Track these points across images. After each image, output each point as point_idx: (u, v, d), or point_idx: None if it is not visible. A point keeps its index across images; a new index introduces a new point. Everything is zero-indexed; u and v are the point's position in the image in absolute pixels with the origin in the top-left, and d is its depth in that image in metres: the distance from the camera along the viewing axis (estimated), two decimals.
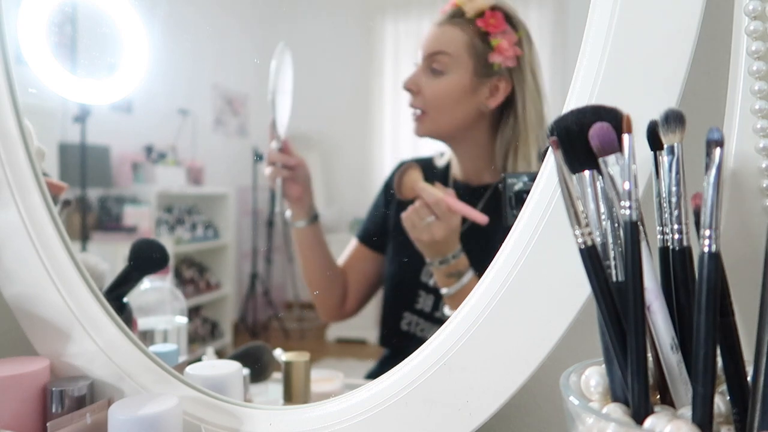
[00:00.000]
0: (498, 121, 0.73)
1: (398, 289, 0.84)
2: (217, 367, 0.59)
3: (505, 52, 0.71)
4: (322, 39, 1.11)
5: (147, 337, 0.72)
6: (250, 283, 1.47)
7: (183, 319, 0.76)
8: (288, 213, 0.86)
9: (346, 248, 0.89)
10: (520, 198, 0.59)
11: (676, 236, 0.36)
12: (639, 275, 0.32)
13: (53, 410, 0.53)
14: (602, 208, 0.35)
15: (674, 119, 0.35)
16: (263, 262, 1.51)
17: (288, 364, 0.65)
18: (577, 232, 0.34)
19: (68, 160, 1.15)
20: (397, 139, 1.23)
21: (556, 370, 0.38)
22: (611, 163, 0.34)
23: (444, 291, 0.72)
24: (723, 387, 0.34)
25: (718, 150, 0.31)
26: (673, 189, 0.36)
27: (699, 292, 0.31)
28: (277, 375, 0.71)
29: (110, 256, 0.89)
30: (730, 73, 0.42)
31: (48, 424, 0.49)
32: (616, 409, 0.33)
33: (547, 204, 0.44)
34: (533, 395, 0.54)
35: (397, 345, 0.82)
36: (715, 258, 0.31)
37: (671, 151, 0.36)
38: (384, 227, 0.84)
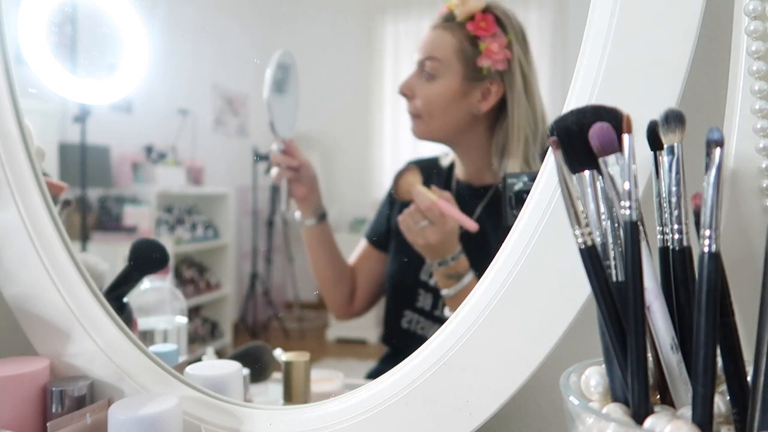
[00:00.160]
0: (494, 123, 0.74)
1: (399, 288, 0.84)
2: (217, 367, 0.59)
3: (494, 56, 0.72)
4: (323, 39, 1.11)
5: (147, 337, 0.72)
6: (250, 283, 1.47)
7: (183, 319, 0.76)
8: (297, 213, 0.87)
9: (347, 247, 0.90)
10: (520, 198, 0.59)
11: (676, 236, 0.36)
12: (639, 275, 0.32)
13: (53, 410, 0.53)
14: (602, 208, 0.35)
15: (674, 119, 0.35)
16: (263, 262, 1.51)
17: (288, 364, 0.65)
18: (577, 232, 0.34)
19: (68, 160, 1.15)
20: (397, 139, 1.23)
21: (556, 370, 0.37)
22: (611, 163, 0.34)
23: (444, 292, 0.72)
24: (723, 387, 0.34)
25: (718, 150, 0.31)
26: (673, 189, 0.36)
27: (699, 292, 0.31)
28: (277, 375, 0.71)
29: (110, 256, 0.89)
30: (730, 73, 0.42)
31: (48, 424, 0.49)
32: (616, 409, 0.33)
33: (547, 204, 0.44)
34: (533, 395, 0.54)
35: (397, 343, 0.82)
36: (715, 258, 0.31)
37: (671, 151, 0.36)
38: (388, 227, 0.85)
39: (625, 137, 0.33)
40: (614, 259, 0.34)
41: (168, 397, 0.50)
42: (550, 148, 0.41)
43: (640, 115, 0.37)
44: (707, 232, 0.31)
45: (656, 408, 0.33)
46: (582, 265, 0.34)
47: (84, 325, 0.58)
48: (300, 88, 0.89)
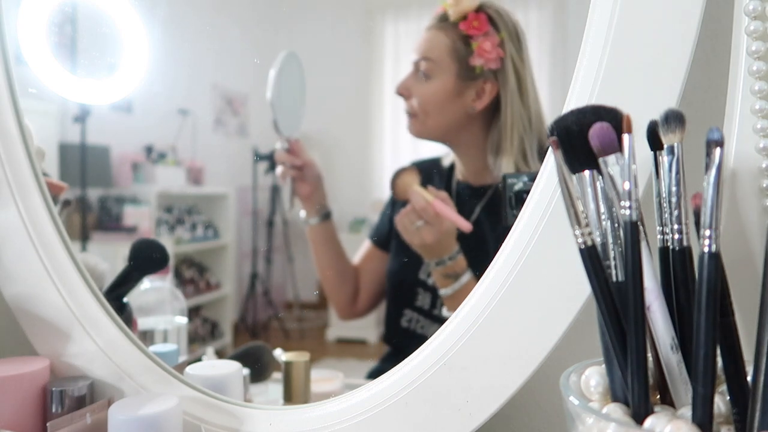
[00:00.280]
0: (489, 122, 0.74)
1: (398, 287, 0.85)
2: (217, 367, 0.59)
3: (487, 54, 0.72)
4: (323, 39, 1.11)
5: (147, 337, 0.72)
6: (250, 283, 1.47)
7: (183, 319, 0.76)
8: (302, 212, 0.88)
9: (346, 247, 0.90)
10: (520, 198, 0.59)
11: (676, 236, 0.36)
12: (639, 275, 0.32)
13: (53, 410, 0.53)
14: (602, 208, 0.35)
15: (674, 119, 0.35)
16: (263, 262, 1.51)
17: (288, 364, 0.65)
18: (577, 232, 0.34)
19: (68, 160, 1.15)
20: (397, 139, 1.23)
21: (556, 370, 0.38)
22: (611, 163, 0.34)
23: (442, 292, 0.73)
24: (723, 387, 0.34)
25: (718, 150, 0.31)
26: (673, 189, 0.36)
27: (699, 292, 0.31)
28: (277, 375, 0.71)
29: (110, 256, 0.89)
30: (730, 73, 0.42)
31: (48, 424, 0.49)
32: (616, 409, 0.33)
33: (547, 204, 0.44)
34: (533, 395, 0.54)
35: (398, 342, 0.83)
36: (715, 258, 0.31)
37: (671, 151, 0.36)
38: (390, 227, 0.85)
39: (625, 137, 0.33)
40: (614, 259, 0.34)
41: (168, 397, 0.50)
42: (549, 148, 0.41)
43: (640, 115, 0.37)
44: (707, 232, 0.31)
45: (656, 408, 0.33)
46: (582, 265, 0.34)
47: (84, 325, 0.58)
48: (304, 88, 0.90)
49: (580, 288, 0.42)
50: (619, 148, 0.34)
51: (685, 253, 0.36)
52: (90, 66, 0.78)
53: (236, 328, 1.44)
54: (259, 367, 0.72)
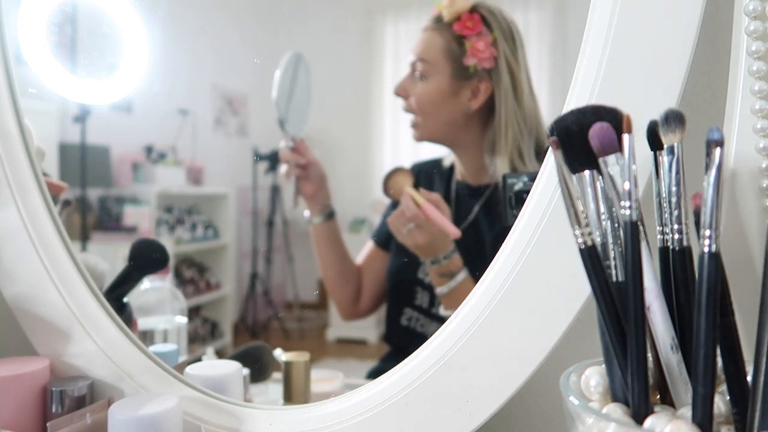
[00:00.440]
0: (486, 121, 0.75)
1: (398, 286, 0.86)
2: (217, 367, 0.59)
3: (480, 54, 0.73)
4: (323, 39, 1.11)
5: (147, 337, 0.72)
6: (250, 283, 1.47)
7: (183, 319, 0.76)
8: (306, 211, 0.88)
9: (347, 246, 0.90)
10: (520, 198, 0.59)
11: (676, 236, 0.36)
12: (639, 275, 0.32)
13: (53, 410, 0.53)
14: (602, 208, 0.35)
15: (674, 119, 0.35)
16: (263, 262, 1.51)
17: (288, 364, 0.65)
18: (577, 232, 0.34)
19: (68, 160, 1.15)
20: (397, 139, 1.23)
21: (556, 370, 0.38)
22: (611, 163, 0.34)
23: (438, 290, 0.73)
24: (723, 387, 0.34)
25: (718, 150, 0.31)
26: (673, 189, 0.36)
27: (699, 292, 0.31)
28: (277, 375, 0.71)
29: (110, 256, 0.89)
30: (730, 73, 0.42)
31: (48, 424, 0.49)
32: (616, 409, 0.33)
33: (547, 204, 0.44)
34: (533, 395, 0.54)
35: (398, 341, 0.83)
36: (715, 258, 0.31)
37: (671, 151, 0.36)
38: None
39: (625, 137, 0.33)
40: (614, 259, 0.34)
41: (168, 397, 0.50)
42: (549, 148, 0.41)
43: (640, 115, 0.37)
44: (707, 232, 0.31)
45: (656, 408, 0.33)
46: (582, 265, 0.34)
47: (84, 325, 0.58)
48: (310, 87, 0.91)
49: (580, 288, 0.42)
50: (619, 148, 0.34)
51: (685, 253, 0.36)
52: (90, 66, 0.78)
53: (236, 328, 1.44)
54: (259, 367, 0.72)
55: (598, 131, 0.34)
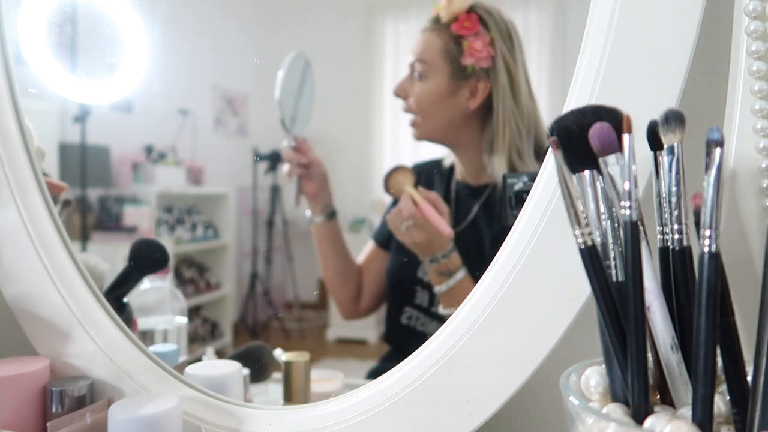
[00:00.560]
0: (484, 121, 0.75)
1: (398, 285, 0.86)
2: (217, 367, 0.59)
3: (477, 54, 0.73)
4: (323, 39, 1.11)
5: (147, 337, 0.72)
6: (250, 283, 1.47)
7: (183, 319, 0.76)
8: (308, 210, 0.89)
9: (348, 246, 0.91)
10: (520, 198, 0.59)
11: (676, 236, 0.36)
12: (639, 275, 0.32)
13: (53, 410, 0.53)
14: (602, 208, 0.35)
15: (674, 119, 0.35)
16: (263, 262, 1.51)
17: (288, 364, 0.65)
18: (577, 232, 0.34)
19: (68, 160, 1.15)
20: (397, 139, 1.23)
21: (556, 370, 0.38)
22: (611, 163, 0.34)
23: (436, 289, 0.74)
24: (723, 387, 0.34)
25: (718, 150, 0.31)
26: (673, 189, 0.36)
27: (699, 292, 0.31)
28: (277, 375, 0.71)
29: (110, 256, 0.89)
30: (730, 73, 0.42)
31: (48, 424, 0.49)
32: (616, 409, 0.33)
33: (547, 204, 0.44)
34: (534, 395, 0.54)
35: (398, 340, 0.83)
36: (715, 258, 0.31)
37: (671, 151, 0.36)
38: None
39: (625, 137, 0.33)
40: (614, 259, 0.34)
41: (168, 397, 0.50)
42: (549, 148, 0.41)
43: (640, 115, 0.37)
44: (707, 232, 0.31)
45: (656, 408, 0.33)
46: (582, 265, 0.34)
47: (84, 325, 0.58)
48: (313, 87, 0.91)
49: (580, 288, 0.42)
50: (619, 148, 0.34)
51: (685, 253, 0.36)
52: (90, 66, 0.78)
53: (236, 328, 1.44)
54: (259, 367, 0.72)
55: (598, 131, 0.34)
